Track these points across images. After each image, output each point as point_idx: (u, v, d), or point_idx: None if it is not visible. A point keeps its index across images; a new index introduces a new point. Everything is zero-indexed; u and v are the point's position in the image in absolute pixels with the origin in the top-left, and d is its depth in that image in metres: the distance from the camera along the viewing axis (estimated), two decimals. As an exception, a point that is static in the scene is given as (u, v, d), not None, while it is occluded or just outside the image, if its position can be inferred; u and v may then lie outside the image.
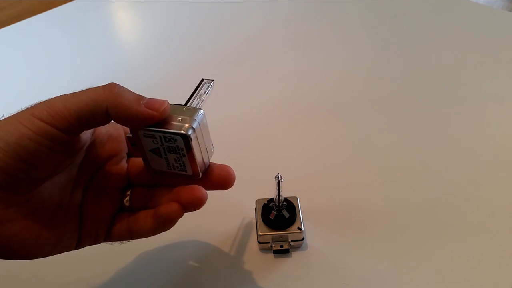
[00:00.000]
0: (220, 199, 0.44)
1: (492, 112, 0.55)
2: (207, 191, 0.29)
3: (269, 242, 0.39)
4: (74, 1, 0.91)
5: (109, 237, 0.31)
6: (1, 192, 0.24)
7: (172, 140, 0.27)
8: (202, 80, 0.31)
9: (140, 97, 0.27)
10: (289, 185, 0.39)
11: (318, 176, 0.48)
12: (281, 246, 0.38)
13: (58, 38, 0.80)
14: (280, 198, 0.38)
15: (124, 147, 0.32)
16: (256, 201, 0.41)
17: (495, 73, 0.62)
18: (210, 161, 0.31)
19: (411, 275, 0.37)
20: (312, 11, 0.83)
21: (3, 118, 0.25)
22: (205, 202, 0.29)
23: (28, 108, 0.25)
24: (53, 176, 0.28)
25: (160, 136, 0.27)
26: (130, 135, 0.29)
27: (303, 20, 0.81)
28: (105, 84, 0.27)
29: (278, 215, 0.38)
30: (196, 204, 0.29)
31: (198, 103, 0.30)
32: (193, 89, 0.31)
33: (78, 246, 0.30)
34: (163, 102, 0.27)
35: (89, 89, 0.26)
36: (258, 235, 0.38)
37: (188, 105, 0.29)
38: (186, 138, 0.27)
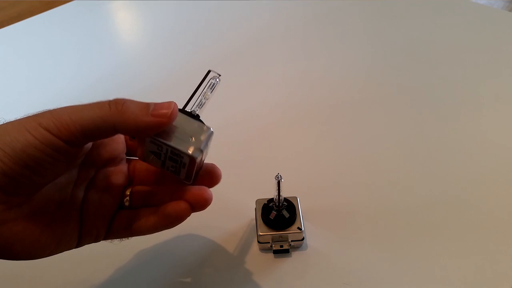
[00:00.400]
0: (220, 199, 0.44)
1: (492, 112, 0.55)
2: None
3: (269, 242, 0.39)
4: (74, 1, 0.91)
5: (109, 235, 0.31)
6: (3, 194, 0.25)
7: (178, 155, 0.28)
8: (209, 72, 0.30)
9: (146, 106, 0.26)
10: (289, 185, 0.39)
11: (318, 176, 0.48)
12: (281, 246, 0.38)
13: (58, 38, 0.80)
14: (280, 198, 0.38)
15: (124, 147, 0.33)
16: (256, 201, 0.41)
17: (495, 73, 0.62)
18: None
19: (411, 275, 0.37)
20: (312, 12, 0.83)
21: (9, 122, 0.25)
22: (210, 203, 0.30)
23: (35, 115, 0.26)
24: (55, 179, 0.28)
25: (167, 149, 0.28)
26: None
27: (303, 21, 0.81)
28: (111, 100, 0.26)
29: (278, 215, 0.38)
30: (203, 204, 0.30)
31: (201, 101, 0.30)
32: (198, 83, 0.30)
33: (78, 245, 0.30)
34: (169, 105, 0.27)
35: (96, 104, 0.26)
36: (258, 235, 0.38)
37: (191, 103, 0.29)
38: (193, 160, 0.28)
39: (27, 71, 0.71)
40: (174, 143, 0.28)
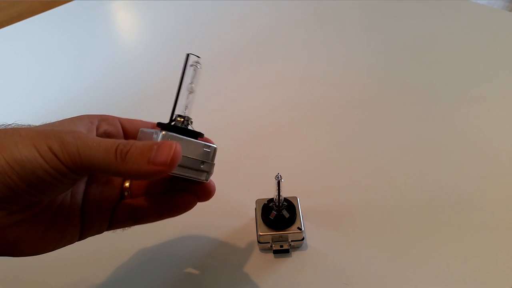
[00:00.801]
0: (220, 199, 0.44)
1: (492, 112, 0.55)
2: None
3: (269, 242, 0.39)
4: (74, 1, 0.91)
5: (111, 226, 0.32)
6: (5, 203, 0.25)
7: (191, 180, 0.30)
8: (188, 56, 0.29)
9: (149, 151, 0.25)
10: (289, 185, 0.39)
11: (318, 176, 0.48)
12: (281, 246, 0.38)
13: (58, 38, 0.80)
14: (280, 198, 0.38)
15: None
16: (256, 201, 0.41)
17: (495, 73, 0.62)
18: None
19: (411, 275, 0.37)
20: (313, 12, 0.83)
21: (17, 132, 0.25)
22: (214, 193, 0.32)
23: (44, 134, 0.25)
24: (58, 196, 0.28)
25: (180, 177, 0.29)
26: None
27: (303, 21, 0.81)
28: (120, 143, 0.26)
29: (278, 215, 0.38)
30: (207, 195, 0.31)
31: (188, 96, 0.29)
32: (180, 74, 0.29)
33: (81, 238, 0.31)
34: (169, 152, 0.26)
35: (105, 144, 0.25)
36: (258, 235, 0.38)
37: (179, 102, 0.29)
38: (204, 182, 0.30)
39: (27, 71, 0.71)
40: (186, 172, 0.29)
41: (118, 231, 0.32)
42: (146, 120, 0.33)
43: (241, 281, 0.37)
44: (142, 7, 0.89)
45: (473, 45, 0.69)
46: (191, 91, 0.28)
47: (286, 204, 0.39)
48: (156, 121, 0.31)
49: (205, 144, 0.29)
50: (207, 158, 0.30)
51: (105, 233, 0.32)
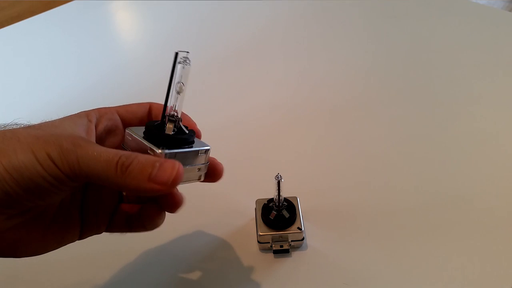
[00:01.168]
0: (220, 199, 0.44)
1: (492, 112, 0.55)
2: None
3: (269, 242, 0.39)
4: (74, 1, 0.91)
5: (110, 229, 0.32)
6: (3, 208, 0.25)
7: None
8: (177, 54, 0.28)
9: (149, 170, 0.25)
10: (289, 185, 0.39)
11: (318, 176, 0.48)
12: (281, 246, 0.38)
13: (58, 38, 0.80)
14: (280, 198, 0.38)
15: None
16: (256, 201, 0.41)
17: (495, 73, 0.62)
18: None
19: (411, 275, 0.37)
20: (313, 12, 0.83)
21: (15, 134, 0.25)
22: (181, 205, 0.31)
23: (45, 141, 0.25)
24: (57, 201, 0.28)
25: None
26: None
27: (303, 21, 0.81)
28: (122, 155, 0.25)
29: (278, 215, 0.38)
30: (174, 207, 0.31)
31: (177, 97, 0.28)
32: (170, 73, 0.28)
33: (81, 238, 0.31)
34: (171, 172, 0.25)
35: (106, 155, 0.25)
36: (258, 235, 0.38)
37: (169, 104, 0.28)
38: (171, 193, 0.30)
39: (27, 71, 0.71)
40: (184, 181, 0.29)
41: (116, 234, 0.32)
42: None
43: (241, 281, 0.37)
44: (142, 7, 0.89)
45: (473, 45, 0.69)
46: (179, 91, 0.28)
47: (286, 204, 0.39)
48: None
49: (200, 150, 0.29)
50: (203, 161, 0.30)
51: (104, 233, 0.32)
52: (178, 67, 0.27)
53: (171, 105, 0.28)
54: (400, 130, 0.53)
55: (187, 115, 0.33)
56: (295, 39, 0.75)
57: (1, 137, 0.24)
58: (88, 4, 0.90)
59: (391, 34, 0.74)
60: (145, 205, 0.31)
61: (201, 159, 0.29)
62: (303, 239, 0.39)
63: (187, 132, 0.29)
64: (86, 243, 0.31)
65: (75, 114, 0.30)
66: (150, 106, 0.32)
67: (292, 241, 0.38)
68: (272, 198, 0.39)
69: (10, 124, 0.28)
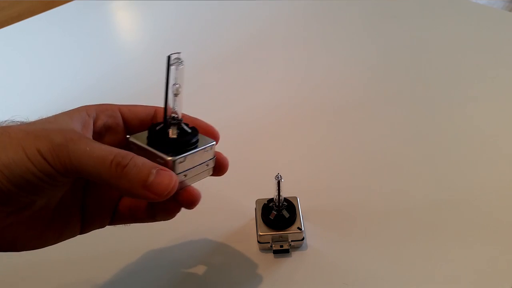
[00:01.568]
0: (220, 199, 0.44)
1: (492, 112, 0.55)
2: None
3: (269, 242, 0.39)
4: (74, 1, 0.91)
5: (113, 222, 0.31)
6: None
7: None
8: (169, 58, 0.27)
9: (145, 178, 0.25)
10: (289, 185, 0.39)
11: (318, 176, 0.48)
12: (281, 246, 0.38)
13: (58, 38, 0.80)
14: (280, 198, 0.38)
15: (123, 137, 0.32)
16: (256, 201, 0.41)
17: (495, 73, 0.62)
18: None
19: (411, 275, 0.37)
20: (313, 12, 0.83)
21: (5, 131, 0.24)
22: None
23: (36, 136, 0.24)
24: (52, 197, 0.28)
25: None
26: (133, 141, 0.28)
27: (304, 21, 0.81)
28: (118, 154, 0.25)
29: (278, 215, 0.38)
30: (192, 204, 0.30)
31: (175, 99, 0.28)
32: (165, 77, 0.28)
33: (82, 232, 0.31)
34: (168, 184, 0.25)
35: (100, 151, 0.24)
36: (258, 235, 0.38)
37: (168, 107, 0.28)
38: (192, 190, 0.30)
39: (27, 71, 0.71)
40: (196, 180, 0.29)
41: (120, 226, 0.32)
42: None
43: (241, 281, 0.37)
44: (142, 7, 0.89)
45: (473, 45, 0.69)
46: (176, 93, 0.27)
47: (286, 204, 0.39)
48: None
49: (206, 147, 0.29)
50: (211, 156, 0.30)
51: (104, 233, 0.32)
52: (171, 69, 0.27)
53: (170, 107, 0.28)
54: (399, 130, 0.53)
55: (200, 119, 0.32)
56: (295, 39, 0.75)
57: None
58: (88, 4, 0.90)
59: (391, 34, 0.74)
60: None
61: (209, 155, 0.30)
62: (303, 239, 0.39)
63: (189, 131, 0.29)
64: (86, 243, 0.31)
65: (75, 108, 0.29)
66: (156, 111, 0.32)
67: (292, 241, 0.38)
68: (272, 198, 0.39)
69: (6, 121, 0.28)
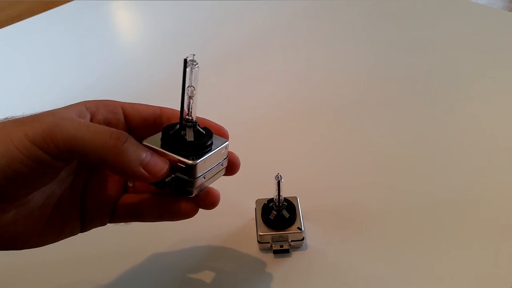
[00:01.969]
0: (221, 199, 0.44)
1: (492, 112, 0.55)
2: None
3: (269, 242, 0.39)
4: (74, 1, 0.91)
5: (113, 220, 0.31)
6: None
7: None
8: (185, 61, 0.27)
9: (142, 156, 0.25)
10: (289, 185, 0.39)
11: (318, 176, 0.48)
12: (281, 246, 0.38)
13: (59, 38, 0.80)
14: (280, 198, 0.38)
15: (126, 130, 0.31)
16: (256, 201, 0.41)
17: (495, 73, 0.62)
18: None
19: (411, 275, 0.37)
20: (313, 12, 0.83)
21: None
22: (218, 203, 0.31)
23: (23, 123, 0.23)
24: (44, 187, 0.27)
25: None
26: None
27: (304, 21, 0.81)
28: (115, 131, 0.24)
29: (278, 215, 0.38)
30: (211, 205, 0.31)
31: (190, 101, 0.28)
32: (182, 80, 0.28)
33: (83, 230, 0.30)
34: (163, 165, 0.26)
35: (96, 129, 0.24)
36: (258, 235, 0.38)
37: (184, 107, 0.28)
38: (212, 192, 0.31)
39: (27, 71, 0.71)
40: (213, 180, 0.30)
41: (121, 224, 0.32)
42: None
43: (241, 281, 0.37)
44: (142, 7, 0.89)
45: (473, 45, 0.69)
46: (191, 95, 0.27)
47: (286, 204, 0.39)
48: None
49: (221, 147, 0.29)
50: (225, 156, 0.30)
51: (105, 234, 0.32)
52: (187, 71, 0.27)
53: (186, 110, 0.28)
54: (399, 130, 0.53)
55: (208, 119, 0.32)
56: (295, 39, 0.75)
57: None
58: (88, 4, 0.90)
59: (391, 33, 0.74)
60: (177, 201, 0.30)
61: (224, 155, 0.30)
62: (303, 239, 0.39)
63: (204, 132, 0.29)
64: (86, 243, 0.31)
65: (74, 103, 0.28)
66: (161, 111, 0.31)
67: (292, 241, 0.38)
68: (272, 198, 0.39)
69: (1, 120, 0.28)
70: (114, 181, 0.31)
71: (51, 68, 0.71)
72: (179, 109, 0.28)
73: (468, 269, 0.37)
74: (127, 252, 0.40)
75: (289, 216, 0.38)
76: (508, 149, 0.49)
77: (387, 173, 0.47)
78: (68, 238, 0.30)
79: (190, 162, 0.26)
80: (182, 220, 0.31)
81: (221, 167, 0.30)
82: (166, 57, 0.71)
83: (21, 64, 0.73)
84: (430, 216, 0.42)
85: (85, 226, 0.30)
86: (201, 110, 0.34)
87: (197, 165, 0.27)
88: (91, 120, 0.28)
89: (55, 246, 0.29)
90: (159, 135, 0.28)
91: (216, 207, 0.31)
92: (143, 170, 0.24)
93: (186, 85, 0.26)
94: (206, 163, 0.28)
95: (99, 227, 0.31)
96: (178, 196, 0.30)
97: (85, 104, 0.28)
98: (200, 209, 0.31)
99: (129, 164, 0.24)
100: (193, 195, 0.29)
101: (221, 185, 0.32)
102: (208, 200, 0.30)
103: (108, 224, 0.32)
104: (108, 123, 0.29)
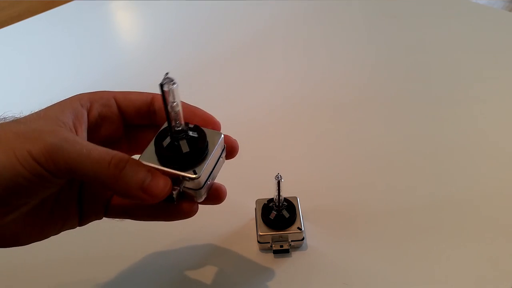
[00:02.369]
0: (220, 199, 0.44)
1: (492, 112, 0.55)
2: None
3: (269, 242, 0.39)
4: (74, 1, 0.91)
5: (109, 215, 0.32)
6: None
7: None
8: (161, 85, 0.26)
9: (143, 179, 0.25)
10: (289, 185, 0.39)
11: (318, 176, 0.48)
12: (281, 246, 0.38)
13: (58, 38, 0.79)
14: (280, 198, 0.38)
15: (120, 128, 0.31)
16: (256, 201, 0.41)
17: (495, 73, 0.62)
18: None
19: (411, 275, 0.37)
20: (313, 11, 0.83)
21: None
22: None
23: (26, 138, 0.24)
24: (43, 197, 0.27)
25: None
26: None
27: (304, 21, 0.81)
28: (116, 156, 0.24)
29: (278, 215, 0.38)
30: (218, 200, 0.31)
31: (176, 114, 0.26)
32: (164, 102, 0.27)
33: (81, 224, 0.31)
34: (164, 186, 0.25)
35: (97, 153, 0.24)
36: (258, 235, 0.38)
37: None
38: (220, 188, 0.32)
39: (27, 71, 0.71)
40: (214, 175, 0.30)
41: (117, 220, 0.32)
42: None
43: (241, 281, 0.37)
44: (142, 7, 0.89)
45: (473, 45, 0.69)
46: (175, 110, 0.26)
47: (286, 204, 0.39)
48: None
49: (218, 146, 0.29)
50: (222, 148, 0.30)
51: (104, 234, 0.32)
52: (165, 92, 0.26)
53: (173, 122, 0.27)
54: (399, 130, 0.53)
55: (199, 108, 0.32)
56: (295, 39, 0.75)
57: None
58: (88, 4, 0.90)
59: (391, 33, 0.74)
60: (183, 201, 0.30)
61: (221, 148, 0.30)
62: (303, 239, 0.39)
63: (196, 135, 0.28)
64: (86, 243, 0.31)
65: (68, 98, 0.28)
66: (153, 98, 0.31)
67: (292, 241, 0.38)
68: (272, 198, 0.39)
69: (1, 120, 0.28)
70: None
71: (51, 68, 0.71)
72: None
73: (468, 269, 0.37)
74: (127, 252, 0.40)
75: (289, 216, 0.38)
76: (508, 149, 0.49)
77: (387, 173, 0.47)
78: (68, 238, 0.30)
79: (193, 176, 0.26)
80: (181, 220, 0.31)
81: (221, 159, 0.30)
82: (166, 57, 0.71)
83: (21, 64, 0.73)
84: (430, 216, 0.42)
85: (83, 220, 0.31)
86: (201, 110, 0.34)
87: (201, 177, 0.26)
88: (88, 115, 0.28)
89: (55, 246, 0.29)
90: (153, 147, 0.27)
91: (216, 207, 0.31)
92: (144, 194, 0.25)
93: (169, 106, 0.26)
94: (207, 167, 0.27)
95: (100, 228, 0.32)
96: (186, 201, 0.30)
97: (80, 100, 0.28)
98: (200, 208, 0.31)
99: (130, 189, 0.24)
100: (203, 199, 0.29)
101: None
102: (216, 196, 0.30)
103: (107, 224, 0.32)
104: (103, 117, 0.29)
